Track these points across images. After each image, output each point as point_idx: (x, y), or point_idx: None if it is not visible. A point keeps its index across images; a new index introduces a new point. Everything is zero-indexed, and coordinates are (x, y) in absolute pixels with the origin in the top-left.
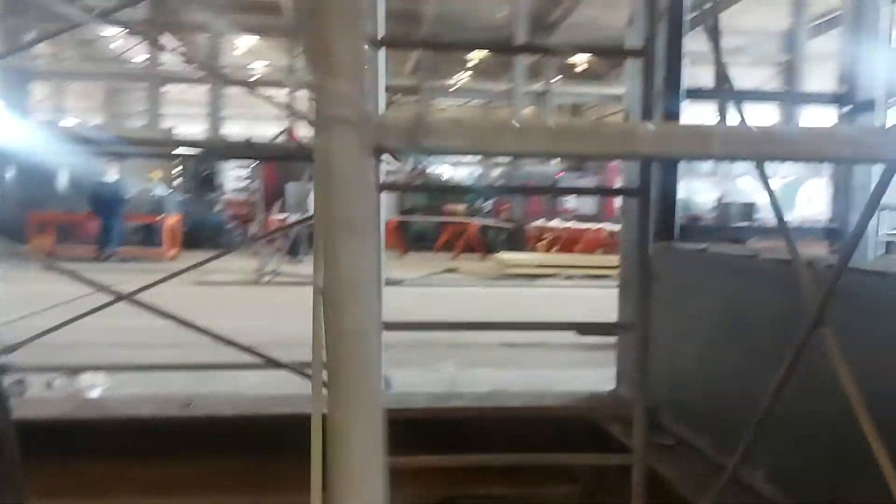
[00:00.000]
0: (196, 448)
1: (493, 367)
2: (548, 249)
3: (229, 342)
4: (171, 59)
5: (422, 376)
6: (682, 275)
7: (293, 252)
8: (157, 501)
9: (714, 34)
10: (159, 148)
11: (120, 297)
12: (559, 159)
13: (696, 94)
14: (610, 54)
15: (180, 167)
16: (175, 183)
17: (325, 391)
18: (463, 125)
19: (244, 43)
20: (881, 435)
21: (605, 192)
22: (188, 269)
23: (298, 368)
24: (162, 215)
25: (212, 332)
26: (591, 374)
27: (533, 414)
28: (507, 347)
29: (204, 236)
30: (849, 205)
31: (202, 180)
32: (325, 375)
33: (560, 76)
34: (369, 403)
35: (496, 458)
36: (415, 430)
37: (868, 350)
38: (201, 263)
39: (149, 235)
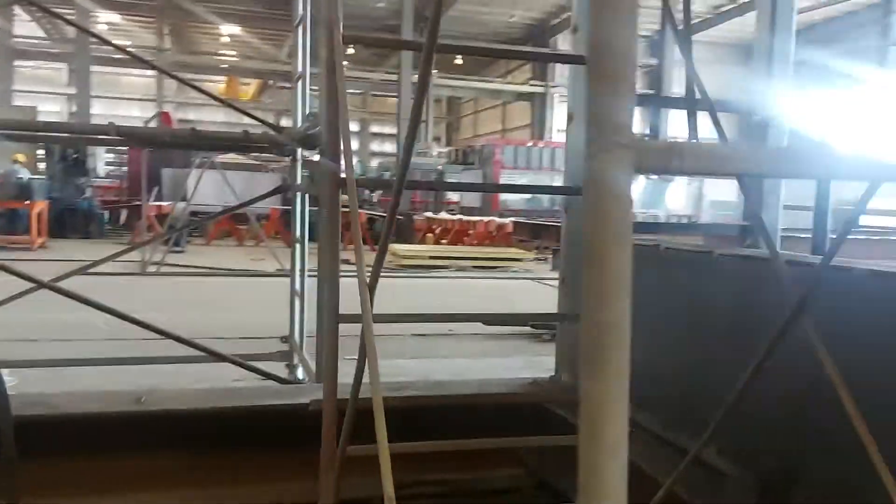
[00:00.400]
0: (145, 444)
1: (408, 357)
2: (437, 241)
3: (169, 335)
4: (26, 33)
5: (341, 367)
6: (633, 268)
7: (176, 242)
8: (108, 500)
9: (686, 44)
10: (23, 129)
11: (42, 286)
12: (441, 152)
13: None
14: (573, 62)
15: (45, 150)
16: (40, 167)
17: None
18: (710, 150)
19: (108, 19)
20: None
21: (559, 191)
22: (112, 257)
23: (241, 361)
24: (28, 201)
25: (151, 326)
26: (504, 362)
27: (487, 400)
28: (418, 338)
29: (72, 224)
30: (761, 205)
31: (70, 164)
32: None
33: (434, 69)
34: (623, 392)
35: (453, 444)
36: (365, 419)
37: (832, 337)
38: (125, 251)
39: (13, 222)
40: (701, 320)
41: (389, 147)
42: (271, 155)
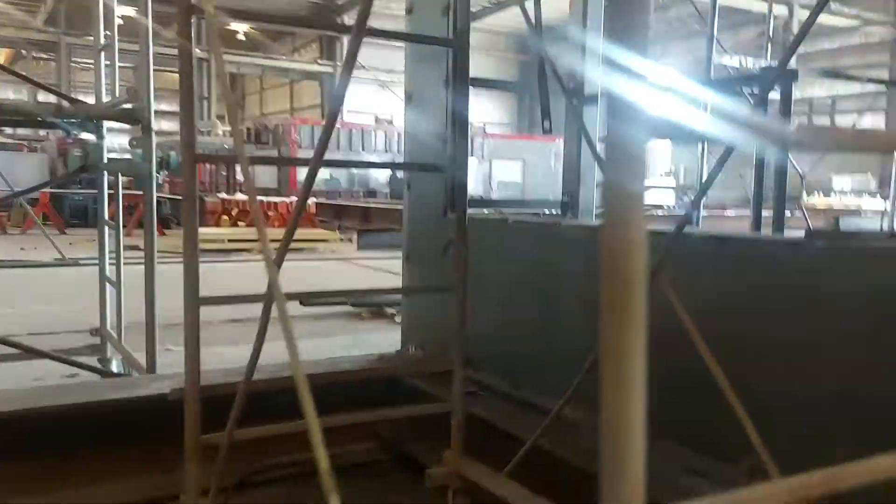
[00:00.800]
0: None
1: (226, 344)
2: (234, 224)
3: None
4: None
5: (162, 358)
6: (479, 241)
7: None
8: None
9: (538, 23)
10: None
11: None
12: (228, 131)
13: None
14: (422, 41)
15: None
16: None
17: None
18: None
19: None
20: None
21: (418, 167)
22: None
23: (63, 357)
24: None
25: None
26: (331, 342)
27: (360, 376)
28: (232, 323)
29: None
30: (578, 182)
31: None
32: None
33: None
34: (641, 357)
35: (330, 421)
36: (212, 407)
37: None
38: None
39: None
40: (549, 286)
41: (166, 125)
42: (31, 131)
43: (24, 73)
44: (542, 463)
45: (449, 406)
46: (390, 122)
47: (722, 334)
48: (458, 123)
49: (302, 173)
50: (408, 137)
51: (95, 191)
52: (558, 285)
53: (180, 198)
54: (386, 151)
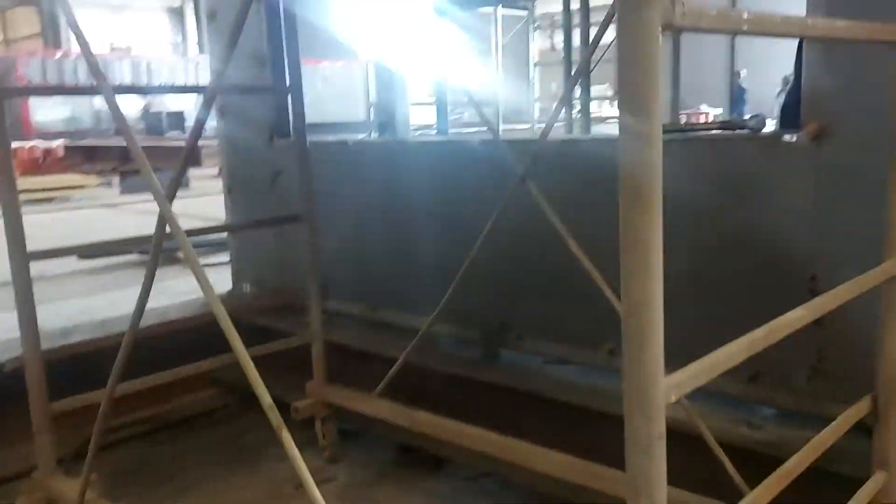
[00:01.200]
0: None
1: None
2: None
3: None
4: None
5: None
6: (317, 167)
7: None
8: None
9: None
10: None
11: None
12: None
13: None
14: None
15: None
16: None
17: None
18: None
19: None
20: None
21: (241, 90)
22: None
23: None
24: None
25: None
26: (129, 294)
27: (186, 324)
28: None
29: None
30: (395, 103)
31: None
32: None
33: None
34: (658, 291)
35: (194, 368)
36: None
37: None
38: None
39: None
40: (397, 206)
41: None
42: None
43: None
44: (408, 378)
45: (307, 338)
46: (130, 50)
47: (583, 231)
48: (287, 41)
49: (40, 114)
50: (213, 61)
51: None
52: (408, 204)
53: None
54: (135, 86)
